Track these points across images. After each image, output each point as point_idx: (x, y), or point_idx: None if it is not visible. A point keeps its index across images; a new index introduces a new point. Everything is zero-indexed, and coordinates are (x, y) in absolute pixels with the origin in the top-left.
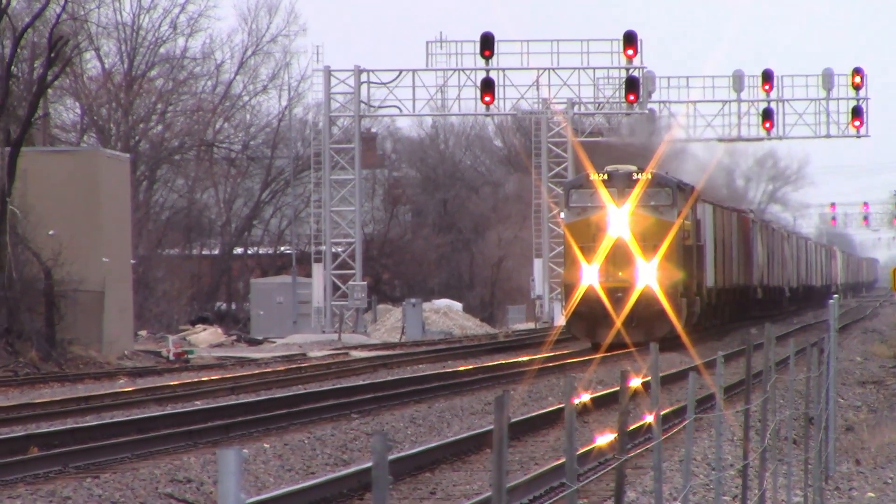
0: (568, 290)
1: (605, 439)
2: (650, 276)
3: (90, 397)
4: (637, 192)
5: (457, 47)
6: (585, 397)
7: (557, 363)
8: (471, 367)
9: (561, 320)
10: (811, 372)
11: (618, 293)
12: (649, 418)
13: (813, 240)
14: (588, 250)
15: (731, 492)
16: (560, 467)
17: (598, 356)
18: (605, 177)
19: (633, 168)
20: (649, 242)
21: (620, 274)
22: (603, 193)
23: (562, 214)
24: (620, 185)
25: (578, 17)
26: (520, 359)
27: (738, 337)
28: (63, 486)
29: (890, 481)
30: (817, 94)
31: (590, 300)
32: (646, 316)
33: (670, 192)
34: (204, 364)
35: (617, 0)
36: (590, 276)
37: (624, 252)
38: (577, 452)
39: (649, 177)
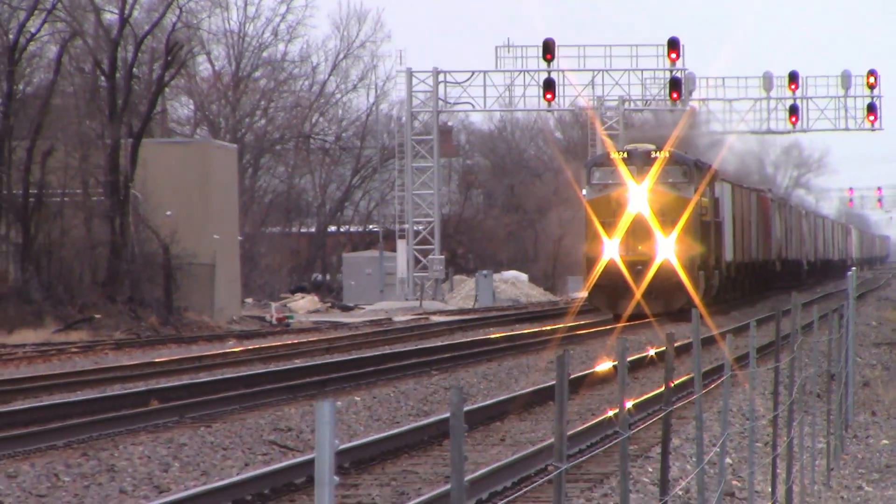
0: (590, 263)
1: (610, 411)
2: (668, 250)
3: (203, 357)
4: (655, 169)
5: (522, 51)
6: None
7: (601, 328)
8: (534, 329)
9: None
10: (832, 334)
11: (637, 266)
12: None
13: (830, 218)
14: (609, 225)
15: (763, 439)
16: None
17: (620, 325)
18: (625, 155)
19: (652, 146)
20: (668, 218)
21: (640, 248)
22: (623, 171)
23: (583, 191)
24: (640, 162)
25: (628, 25)
26: (563, 325)
27: (758, 309)
28: (180, 434)
29: None
30: (837, 92)
31: (611, 273)
32: (664, 288)
33: (687, 169)
34: (302, 328)
35: (662, 9)
36: (611, 250)
37: (643, 227)
38: (628, 404)
39: (667, 155)
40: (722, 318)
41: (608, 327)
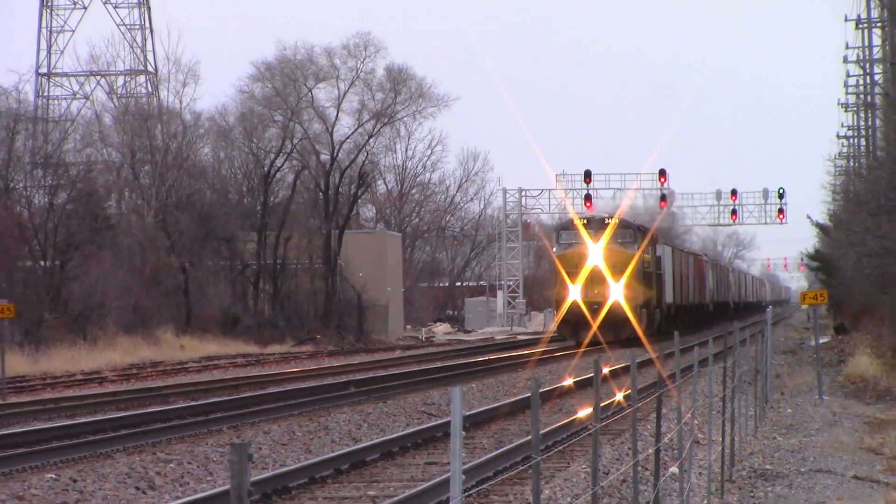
0: (558, 303)
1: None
2: (618, 293)
3: (381, 360)
4: (608, 232)
5: (572, 178)
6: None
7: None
8: (577, 342)
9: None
10: (758, 346)
11: (594, 306)
12: (619, 395)
13: (752, 273)
14: (572, 274)
15: (717, 408)
16: (627, 396)
17: (580, 350)
18: (585, 221)
19: (606, 214)
20: (617, 269)
21: (596, 291)
22: (583, 233)
23: (553, 248)
24: (596, 226)
25: (635, 160)
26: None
27: (691, 339)
28: (368, 408)
29: (799, 404)
30: (760, 201)
31: (574, 311)
32: (615, 322)
33: (633, 231)
34: (440, 343)
35: (655, 145)
36: (574, 293)
37: (599, 276)
38: (639, 388)
39: (617, 221)
40: (657, 346)
41: (572, 351)
